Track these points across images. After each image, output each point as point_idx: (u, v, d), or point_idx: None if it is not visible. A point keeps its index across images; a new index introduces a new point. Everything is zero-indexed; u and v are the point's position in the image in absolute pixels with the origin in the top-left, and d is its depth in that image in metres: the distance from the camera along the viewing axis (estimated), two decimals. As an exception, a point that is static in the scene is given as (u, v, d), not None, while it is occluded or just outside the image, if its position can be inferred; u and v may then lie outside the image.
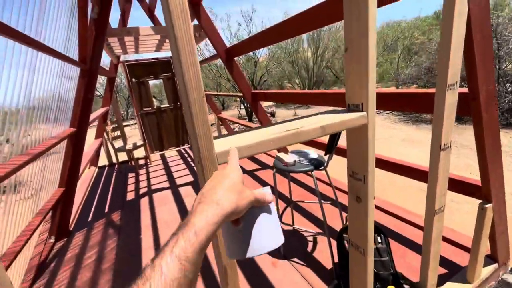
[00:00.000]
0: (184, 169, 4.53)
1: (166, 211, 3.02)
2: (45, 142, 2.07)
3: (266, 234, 0.48)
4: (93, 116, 4.09)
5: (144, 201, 3.38)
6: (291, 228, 2.15)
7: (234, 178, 0.46)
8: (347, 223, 1.65)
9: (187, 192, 3.45)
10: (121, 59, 4.99)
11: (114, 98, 5.18)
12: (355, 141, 0.83)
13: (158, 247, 2.37)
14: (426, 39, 12.48)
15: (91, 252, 2.38)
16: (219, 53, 3.15)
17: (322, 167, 1.74)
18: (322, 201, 1.83)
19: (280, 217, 2.08)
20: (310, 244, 2.05)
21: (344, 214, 2.12)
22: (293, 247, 2.03)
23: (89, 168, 5.02)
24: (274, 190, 1.95)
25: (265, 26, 11.84)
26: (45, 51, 1.65)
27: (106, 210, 3.29)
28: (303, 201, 2.23)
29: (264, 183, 3.38)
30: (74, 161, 2.60)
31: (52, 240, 2.59)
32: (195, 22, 3.26)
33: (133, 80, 4.95)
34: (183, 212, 2.95)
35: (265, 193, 0.51)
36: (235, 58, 3.24)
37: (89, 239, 2.62)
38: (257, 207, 0.49)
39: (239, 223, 0.47)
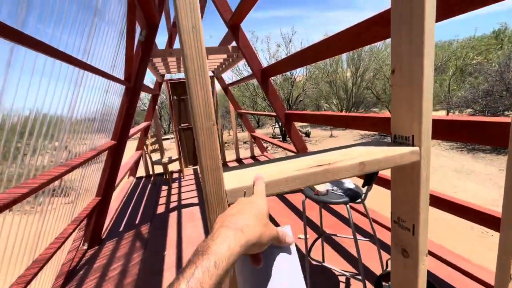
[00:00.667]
0: (214, 185, 4.52)
1: (193, 228, 2.99)
2: (86, 153, 2.20)
3: (286, 278, 0.43)
4: (135, 129, 4.37)
5: (173, 216, 3.40)
6: (320, 264, 1.93)
7: (261, 206, 0.42)
8: (388, 269, 1.40)
9: (214, 211, 3.40)
10: (165, 77, 5.34)
11: (156, 114, 5.51)
12: (402, 181, 0.67)
13: (179, 267, 2.31)
14: (483, 59, 11.34)
15: (117, 264, 2.41)
16: (255, 73, 3.16)
17: (359, 200, 1.54)
18: (358, 238, 1.61)
19: (309, 250, 1.88)
20: (342, 286, 1.80)
21: (384, 255, 1.84)
22: (322, 286, 1.80)
23: (128, 177, 5.32)
24: (302, 218, 1.77)
25: (303, 47, 11.94)
26: (92, 71, 1.78)
27: (137, 221, 3.38)
28: (335, 235, 2.00)
29: (292, 206, 3.19)
30: (112, 172, 2.73)
31: (85, 247, 2.69)
32: (234, 43, 3.35)
33: (174, 97, 5.23)
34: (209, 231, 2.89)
35: (286, 232, 0.46)
36: (271, 78, 3.22)
37: (117, 250, 2.68)
38: (276, 247, 0.44)
39: (260, 261, 0.42)
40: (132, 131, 3.82)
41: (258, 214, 0.40)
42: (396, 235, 0.73)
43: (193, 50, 0.42)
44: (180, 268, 2.26)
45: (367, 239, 1.95)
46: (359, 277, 1.62)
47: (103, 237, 2.93)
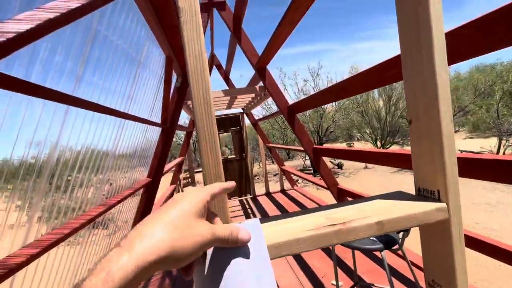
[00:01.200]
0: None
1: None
2: (123, 192, 2.37)
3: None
4: (170, 165, 4.62)
5: (201, 253, 3.38)
6: (357, 319, 1.72)
7: (185, 206, 0.32)
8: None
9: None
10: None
11: (189, 149, 5.82)
12: (432, 241, 0.61)
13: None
14: (535, 81, 10.32)
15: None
16: (282, 110, 3.25)
17: (395, 247, 1.40)
18: (398, 291, 1.43)
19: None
20: None
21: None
22: None
23: (161, 211, 5.51)
24: (334, 265, 1.64)
25: (330, 81, 12.08)
26: (132, 119, 1.99)
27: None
28: (372, 285, 1.81)
29: (327, 250, 2.98)
30: (146, 208, 2.86)
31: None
32: (260, 83, 3.53)
33: (206, 133, 5.52)
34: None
35: (239, 228, 0.37)
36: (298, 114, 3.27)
37: (148, 285, 2.69)
38: (231, 249, 0.35)
39: (188, 272, 0.33)
40: (167, 167, 4.06)
41: (174, 218, 0.30)
42: (433, 301, 0.64)
43: (204, 120, 0.46)
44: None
45: (410, 291, 1.72)
46: None
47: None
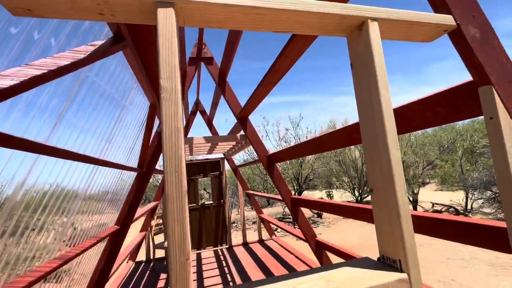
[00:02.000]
0: (216, 275, 4.13)
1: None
2: (87, 241, 2.16)
3: None
4: (142, 210, 4.36)
5: (166, 315, 3.00)
6: None
7: None
8: None
9: (213, 310, 2.99)
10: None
11: (164, 195, 5.58)
12: (397, 313, 0.61)
13: None
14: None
15: None
16: (261, 159, 3.32)
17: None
18: None
19: None
20: None
21: None
22: None
23: (127, 262, 4.99)
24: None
25: (309, 132, 12.73)
26: (107, 165, 1.94)
27: (126, 320, 2.98)
28: None
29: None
30: (109, 260, 2.60)
31: None
32: (242, 132, 3.66)
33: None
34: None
35: None
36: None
37: None
38: None
39: None
40: (139, 211, 3.82)
41: None
42: None
43: (173, 191, 0.48)
44: None
45: None
46: None
47: None
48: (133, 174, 3.08)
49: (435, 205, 11.19)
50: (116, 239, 2.61)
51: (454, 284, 4.62)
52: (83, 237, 2.47)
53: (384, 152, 0.63)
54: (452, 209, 10.55)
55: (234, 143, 4.06)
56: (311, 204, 2.99)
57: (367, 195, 13.66)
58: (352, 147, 14.54)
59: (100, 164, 1.84)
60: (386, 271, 0.62)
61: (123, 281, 4.19)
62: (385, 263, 0.66)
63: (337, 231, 9.51)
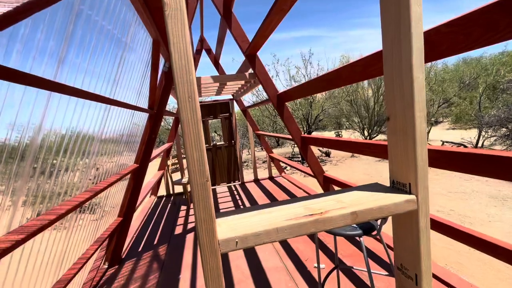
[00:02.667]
0: (231, 206, 4.55)
1: (207, 252, 3.00)
2: (110, 178, 2.35)
3: None
4: (157, 151, 4.58)
5: (190, 237, 3.44)
6: (336, 298, 1.84)
7: None
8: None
9: (230, 234, 3.40)
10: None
11: (177, 135, 5.76)
12: (401, 229, 0.66)
13: (193, 292, 2.31)
14: (517, 75, 10.69)
15: (135, 285, 2.46)
16: (271, 98, 3.25)
17: (374, 233, 1.48)
18: (374, 271, 1.54)
19: (323, 282, 1.81)
20: (359, 325, 1.69)
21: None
22: (337, 325, 1.71)
23: (149, 196, 5.51)
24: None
25: (321, 69, 12.04)
26: (118, 105, 1.95)
27: (155, 241, 3.46)
28: (351, 267, 1.92)
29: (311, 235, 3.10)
30: (134, 194, 2.86)
31: (105, 266, 2.79)
32: (251, 70, 3.50)
33: (195, 119, 5.46)
34: (224, 255, 2.88)
35: None
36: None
37: (135, 270, 2.74)
38: None
39: None
40: (154, 152, 4.02)
41: None
42: (400, 283, 0.71)
43: (189, 116, 0.47)
44: (193, 294, 2.26)
45: (386, 273, 1.84)
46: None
47: (123, 257, 3.03)
48: (145, 117, 3.13)
49: (445, 143, 11.19)
50: (137, 175, 2.81)
51: (453, 213, 4.95)
52: (106, 176, 2.67)
53: (407, 75, 0.59)
54: (461, 146, 10.57)
55: (242, 82, 3.94)
56: (319, 142, 3.04)
57: (376, 135, 13.69)
58: (366, 85, 13.93)
59: (111, 103, 1.86)
60: (395, 193, 0.65)
61: (148, 212, 4.70)
62: (394, 187, 0.69)
63: (344, 169, 9.91)
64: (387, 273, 1.87)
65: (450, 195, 5.96)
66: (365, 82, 14.04)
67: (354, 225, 1.52)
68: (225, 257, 2.81)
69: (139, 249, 3.26)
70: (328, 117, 15.35)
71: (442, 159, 1.27)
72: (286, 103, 3.28)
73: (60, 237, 2.00)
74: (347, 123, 16.87)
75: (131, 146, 3.12)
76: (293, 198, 0.64)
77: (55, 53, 1.69)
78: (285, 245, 2.90)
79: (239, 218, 0.58)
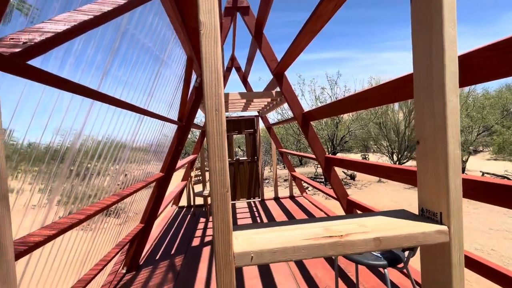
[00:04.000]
0: (249, 222, 4.49)
1: (222, 267, 2.95)
2: (138, 183, 2.46)
3: None
4: (183, 162, 4.73)
5: (206, 251, 3.43)
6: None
7: None
8: None
9: (246, 251, 3.33)
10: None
11: (202, 148, 5.92)
12: (431, 263, 0.61)
13: (205, 308, 2.26)
14: None
15: (148, 294, 2.47)
16: (296, 116, 3.25)
17: (400, 265, 1.37)
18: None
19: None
20: None
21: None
22: None
23: (171, 206, 5.63)
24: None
25: (348, 90, 11.89)
26: (150, 115, 2.07)
27: (173, 251, 3.48)
28: (374, 301, 1.77)
29: (331, 261, 2.94)
30: (156, 202, 2.95)
31: (123, 271, 2.85)
32: (277, 89, 3.56)
33: (220, 133, 5.60)
34: (237, 271, 2.81)
35: None
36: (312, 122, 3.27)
37: (151, 278, 2.77)
38: None
39: None
40: (179, 163, 4.16)
41: None
42: (428, 323, 0.64)
43: (215, 128, 0.49)
44: (205, 310, 2.21)
45: (413, 313, 1.67)
46: None
47: (141, 263, 3.08)
48: (173, 129, 3.28)
49: (485, 174, 10.27)
50: (161, 184, 2.91)
51: (494, 253, 4.43)
52: (133, 183, 2.80)
53: (439, 97, 0.57)
54: (505, 179, 9.60)
55: (269, 99, 4.01)
56: (345, 164, 2.95)
57: (407, 160, 12.96)
58: (396, 107, 13.45)
59: (145, 114, 1.98)
60: (425, 222, 0.61)
61: (169, 221, 4.79)
62: (424, 215, 0.64)
63: (370, 194, 9.42)
64: (414, 313, 1.69)
65: (491, 232, 5.37)
66: (396, 105, 13.56)
67: (379, 255, 1.42)
68: (239, 274, 2.75)
69: (157, 257, 3.30)
70: (355, 139, 14.89)
71: (481, 190, 1.16)
72: (311, 122, 3.26)
73: (86, 238, 2.10)
74: (375, 146, 16.22)
75: (159, 156, 3.26)
76: (312, 218, 0.62)
77: (101, 66, 1.88)
78: (303, 270, 2.77)
79: (256, 233, 0.57)
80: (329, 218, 0.64)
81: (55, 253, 1.60)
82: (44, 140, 1.49)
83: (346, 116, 12.79)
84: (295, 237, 0.54)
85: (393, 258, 1.39)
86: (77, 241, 1.94)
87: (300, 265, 2.87)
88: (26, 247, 0.92)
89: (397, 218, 0.64)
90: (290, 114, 12.12)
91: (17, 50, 0.66)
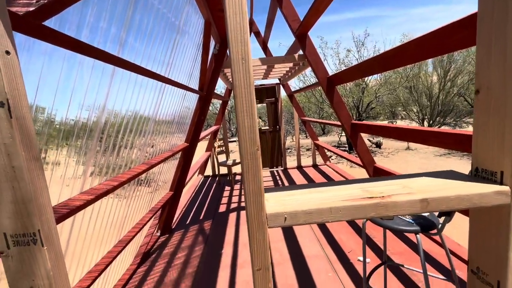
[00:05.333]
0: (273, 191, 4.58)
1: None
2: (164, 153, 2.53)
3: None
4: (205, 132, 4.80)
5: (232, 216, 3.58)
6: (381, 295, 1.72)
7: None
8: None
9: (271, 217, 3.43)
10: (234, 85, 5.71)
11: (224, 118, 5.93)
12: (484, 226, 0.55)
13: (234, 267, 2.41)
14: None
15: (182, 254, 2.68)
16: (320, 81, 3.07)
17: (434, 231, 1.32)
18: (430, 274, 1.38)
19: (368, 277, 1.70)
20: (407, 327, 1.56)
21: (466, 302, 1.52)
22: (381, 322, 1.61)
23: (197, 175, 5.87)
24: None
25: (377, 51, 10.98)
26: (172, 84, 2.04)
27: (201, 217, 3.69)
28: (402, 265, 1.76)
29: (353, 222, 2.94)
30: (183, 171, 3.06)
31: (158, 234, 3.09)
32: (300, 52, 3.35)
33: (241, 103, 5.53)
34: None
35: None
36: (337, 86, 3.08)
37: (183, 241, 2.98)
38: None
39: None
40: (202, 134, 4.22)
41: None
42: (474, 288, 0.60)
43: (241, 80, 0.44)
44: (234, 269, 2.37)
45: (444, 278, 1.64)
46: (429, 322, 1.38)
47: (173, 227, 3.31)
48: (194, 100, 3.27)
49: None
50: (187, 154, 2.99)
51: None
52: (160, 154, 2.90)
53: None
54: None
55: (290, 65, 3.81)
56: (373, 129, 2.79)
57: (439, 126, 12.15)
58: (430, 69, 12.32)
59: (167, 82, 1.96)
60: (479, 182, 0.54)
61: (196, 189, 5.03)
62: (478, 175, 0.57)
63: (397, 162, 9.11)
64: (444, 278, 1.67)
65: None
66: (430, 66, 12.41)
67: (410, 220, 1.37)
68: (265, 239, 2.86)
69: (187, 222, 3.52)
70: (382, 105, 14.08)
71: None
72: (336, 86, 3.07)
73: (121, 205, 2.26)
74: (403, 112, 15.29)
75: (181, 128, 3.31)
76: (347, 180, 0.58)
77: (116, 38, 1.84)
78: (327, 234, 2.82)
79: (288, 195, 0.54)
80: (366, 179, 0.59)
81: (95, 218, 1.74)
82: (71, 115, 1.54)
83: (373, 81, 12.00)
84: (331, 198, 0.50)
85: (427, 224, 1.33)
86: (113, 208, 2.09)
87: (324, 229, 2.91)
88: (68, 210, 0.99)
89: (445, 179, 0.58)
90: (312, 80, 11.60)
91: (31, 9, 0.64)
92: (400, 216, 1.42)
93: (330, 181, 0.56)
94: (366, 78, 10.99)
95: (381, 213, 0.48)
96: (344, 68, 11.30)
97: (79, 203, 1.11)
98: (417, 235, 1.32)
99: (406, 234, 2.59)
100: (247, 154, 0.46)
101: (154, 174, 3.02)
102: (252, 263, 0.48)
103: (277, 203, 0.50)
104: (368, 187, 0.55)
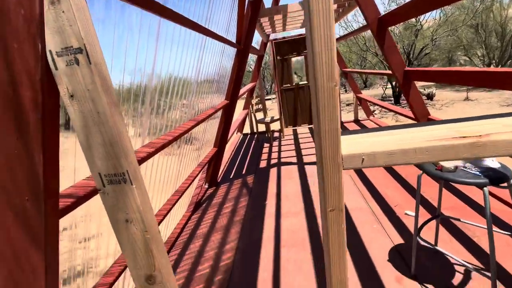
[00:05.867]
0: (311, 147, 4.54)
1: (290, 185, 3.18)
2: (207, 110, 2.60)
3: None
4: (243, 90, 4.76)
5: (273, 171, 3.70)
6: (431, 247, 1.70)
7: None
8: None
9: (310, 172, 3.46)
10: (270, 37, 5.38)
11: (260, 75, 5.77)
12: None
13: (278, 216, 2.56)
14: None
15: (229, 204, 2.91)
16: (370, 23, 2.71)
17: (504, 184, 1.20)
18: (496, 229, 1.30)
19: (419, 229, 1.67)
20: (458, 277, 1.55)
21: (532, 257, 1.43)
22: (430, 271, 1.61)
23: (236, 133, 6.04)
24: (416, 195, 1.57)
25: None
26: (213, 36, 1.99)
27: (244, 171, 3.88)
28: (458, 219, 1.68)
29: (400, 178, 2.84)
30: (225, 128, 3.15)
31: (206, 186, 3.36)
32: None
33: (278, 57, 5.26)
34: (305, 189, 3.00)
35: None
36: (389, 28, 2.70)
37: (229, 192, 3.21)
38: None
39: None
40: (240, 92, 4.20)
41: None
42: None
43: (320, 5, 0.39)
44: (278, 218, 2.52)
45: (508, 233, 1.54)
46: (487, 273, 1.34)
47: (219, 181, 3.56)
48: (231, 60, 3.17)
49: None
50: (228, 111, 3.04)
51: None
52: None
53: None
54: None
55: (335, 7, 3.39)
56: (430, 75, 2.47)
57: (510, 72, 10.30)
58: (507, 0, 10.07)
59: (207, 33, 1.91)
60: None
61: (236, 146, 5.22)
62: None
63: (453, 115, 8.19)
64: (508, 233, 1.56)
65: None
66: (507, -5, 10.09)
67: (477, 172, 1.25)
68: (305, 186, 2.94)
69: (231, 176, 3.74)
70: (438, 49, 12.23)
71: None
72: (388, 29, 2.70)
73: (174, 161, 2.46)
74: (464, 57, 13.15)
75: (221, 89, 3.30)
76: (436, 120, 0.52)
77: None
78: (370, 188, 2.78)
79: (365, 137, 0.51)
80: (453, 120, 0.53)
81: (155, 172, 1.93)
82: (125, 81, 1.61)
83: (429, 21, 10.29)
84: (415, 139, 0.46)
85: (497, 176, 1.20)
86: (169, 164, 2.29)
87: (367, 183, 2.87)
88: (138, 159, 1.10)
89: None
90: (355, 26, 10.39)
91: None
92: (463, 168, 1.30)
93: (410, 123, 0.51)
94: (421, 17, 9.45)
95: (476, 153, 0.43)
96: (396, 6, 9.79)
97: (143, 155, 1.22)
98: (484, 188, 1.21)
99: (462, 190, 2.42)
100: (324, 91, 0.43)
101: (199, 133, 3.17)
102: (325, 204, 0.48)
103: (353, 144, 0.48)
104: (459, 127, 0.48)
